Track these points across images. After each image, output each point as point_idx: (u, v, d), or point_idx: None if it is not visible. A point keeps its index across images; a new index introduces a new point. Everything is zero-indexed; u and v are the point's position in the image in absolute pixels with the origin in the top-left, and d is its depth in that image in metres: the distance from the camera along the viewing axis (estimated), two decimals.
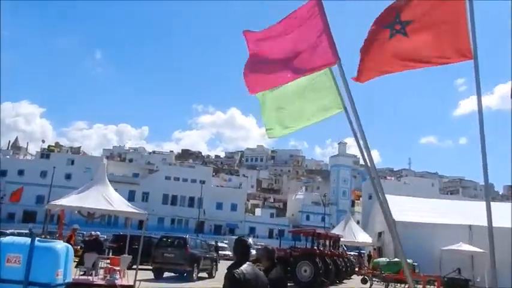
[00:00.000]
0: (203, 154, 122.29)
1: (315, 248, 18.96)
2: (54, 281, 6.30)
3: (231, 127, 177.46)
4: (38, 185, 57.16)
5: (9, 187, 55.19)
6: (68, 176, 59.99)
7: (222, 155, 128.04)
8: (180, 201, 63.73)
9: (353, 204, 76.37)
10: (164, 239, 18.77)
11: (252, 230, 64.45)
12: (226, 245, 39.47)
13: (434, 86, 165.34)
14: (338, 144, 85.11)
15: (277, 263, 4.27)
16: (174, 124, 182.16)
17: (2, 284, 6.19)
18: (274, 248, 4.48)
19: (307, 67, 5.01)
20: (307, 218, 69.71)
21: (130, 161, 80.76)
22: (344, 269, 20.12)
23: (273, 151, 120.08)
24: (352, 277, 22.48)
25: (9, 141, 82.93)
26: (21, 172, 60.31)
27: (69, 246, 6.83)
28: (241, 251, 3.76)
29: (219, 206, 65.21)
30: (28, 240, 6.49)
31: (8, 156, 66.63)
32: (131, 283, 13.71)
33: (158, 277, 17.41)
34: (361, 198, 74.90)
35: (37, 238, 6.53)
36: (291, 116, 5.54)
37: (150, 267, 17.72)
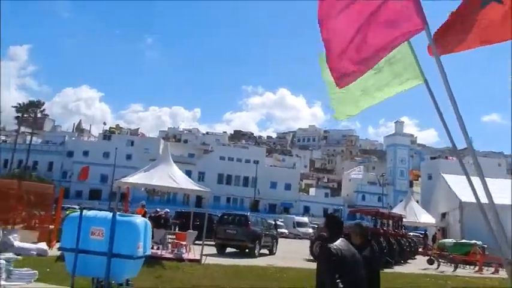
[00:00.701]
0: (255, 135, 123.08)
1: (378, 227, 18.54)
2: (135, 253, 6.50)
3: (281, 107, 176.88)
4: (102, 165, 60.30)
5: (75, 167, 58.76)
6: (129, 157, 62.72)
7: (274, 135, 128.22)
8: (234, 180, 64.80)
9: (411, 184, 73.89)
10: (226, 216, 19.13)
11: (306, 209, 64.40)
12: (282, 224, 39.71)
13: (496, 61, 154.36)
14: (394, 123, 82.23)
15: (371, 240, 4.07)
16: (225, 106, 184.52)
17: (87, 255, 6.48)
18: (367, 225, 4.27)
19: (392, 36, 4.60)
20: (363, 198, 68.50)
21: (185, 142, 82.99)
22: (408, 249, 19.56)
23: (325, 131, 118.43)
24: (416, 257, 21.84)
25: (74, 124, 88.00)
26: (86, 153, 63.84)
27: (147, 220, 7.01)
28: (334, 227, 3.60)
29: (273, 185, 65.61)
30: (109, 214, 6.73)
31: (73, 138, 70.76)
32: (197, 257, 14.17)
33: (221, 252, 17.86)
34: (419, 178, 72.26)
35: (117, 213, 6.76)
36: (364, 92, 5.17)
37: (212, 243, 18.21)
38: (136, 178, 13.99)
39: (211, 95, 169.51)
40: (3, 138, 68.50)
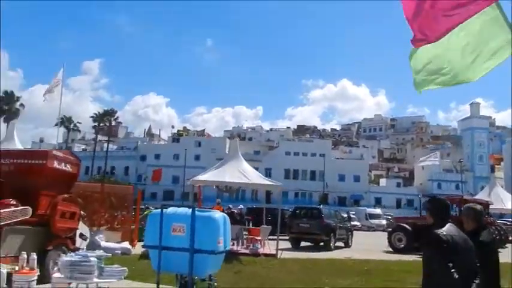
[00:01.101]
0: (318, 128, 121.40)
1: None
2: (216, 248, 6.46)
3: (343, 99, 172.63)
4: (173, 167, 62.72)
5: (149, 170, 61.66)
6: (197, 157, 64.62)
7: (338, 127, 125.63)
8: (301, 175, 64.37)
9: (492, 169, 68.65)
10: (298, 210, 18.95)
11: (377, 201, 62.38)
12: (354, 216, 38.73)
13: None
14: (469, 105, 77.00)
15: (486, 225, 3.61)
16: (286, 101, 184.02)
17: (170, 251, 6.54)
18: (482, 208, 3.81)
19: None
20: (439, 186, 64.82)
21: (250, 139, 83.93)
22: (498, 238, 18.05)
23: (392, 119, 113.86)
24: (506, 246, 20.13)
25: (145, 130, 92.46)
26: (157, 156, 66.80)
27: (225, 215, 6.96)
28: (439, 211, 3.22)
29: (342, 177, 64.29)
30: (188, 210, 6.76)
31: (145, 143, 74.39)
32: (272, 252, 14.11)
33: (295, 246, 17.70)
34: (502, 163, 66.98)
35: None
36: (450, 66, 4.60)
37: (286, 238, 18.11)
38: (209, 176, 14.20)
39: (272, 92, 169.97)
40: (83, 147, 73.75)
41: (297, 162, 64.24)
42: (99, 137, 69.10)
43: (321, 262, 13.35)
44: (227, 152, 62.88)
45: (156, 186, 60.25)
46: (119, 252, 13.43)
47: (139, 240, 16.07)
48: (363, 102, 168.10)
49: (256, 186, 14.66)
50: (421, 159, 70.06)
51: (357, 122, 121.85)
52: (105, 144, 67.05)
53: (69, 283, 5.62)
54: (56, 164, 8.48)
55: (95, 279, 4.11)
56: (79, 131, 71.09)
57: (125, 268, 4.37)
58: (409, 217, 22.95)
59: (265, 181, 14.46)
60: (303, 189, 63.41)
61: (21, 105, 62.56)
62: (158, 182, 52.44)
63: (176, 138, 73.04)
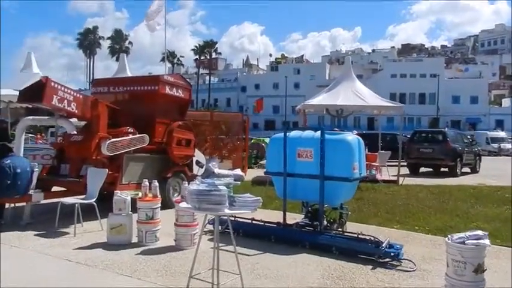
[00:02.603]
0: (426, 46, 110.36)
1: None
2: (351, 174, 5.57)
3: (453, 11, 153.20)
4: (272, 96, 62.49)
5: (249, 100, 62.33)
6: (296, 85, 63.36)
7: (448, 44, 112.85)
8: (409, 98, 59.67)
9: None
10: (418, 134, 17.20)
11: (498, 123, 55.86)
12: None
13: None
14: None
15: None
16: (386, 19, 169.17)
17: (297, 178, 5.81)
18: None
19: None
20: None
21: (351, 63, 79.08)
22: None
23: None
24: None
25: (243, 60, 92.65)
26: (257, 86, 66.96)
27: (360, 138, 5.94)
28: None
29: (456, 99, 58.41)
30: (315, 133, 5.87)
31: (244, 74, 74.76)
32: (391, 178, 13.00)
33: (414, 172, 16.32)
34: None
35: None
36: None
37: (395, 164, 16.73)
38: (320, 99, 13.09)
39: (370, 10, 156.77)
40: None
41: (404, 84, 59.40)
42: (201, 71, 71.02)
43: (448, 189, 11.91)
44: (327, 78, 60.68)
45: (257, 116, 60.88)
46: (232, 179, 13.38)
47: (249, 167, 16.07)
48: (478, 12, 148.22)
49: (375, 109, 13.20)
50: None
51: (472, 36, 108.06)
52: (207, 77, 68.88)
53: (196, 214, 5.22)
54: (167, 90, 8.10)
55: (226, 210, 3.46)
56: (182, 65, 73.68)
57: (259, 198, 3.65)
58: None
59: (386, 103, 12.97)
60: (411, 114, 59.05)
61: (130, 43, 65.97)
62: (259, 112, 52.76)
63: (275, 66, 71.95)
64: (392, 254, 4.87)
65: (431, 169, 16.67)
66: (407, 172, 16.01)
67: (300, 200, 6.42)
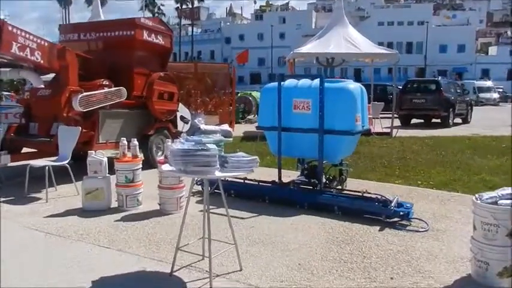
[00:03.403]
0: None
1: None
2: (354, 127, 5.01)
3: None
4: (258, 48, 60.62)
5: (234, 53, 60.42)
6: (282, 35, 61.47)
7: None
8: (396, 47, 58.58)
9: None
10: (410, 84, 16.62)
11: (484, 72, 55.60)
12: None
13: None
14: None
15: None
16: None
17: (291, 133, 5.24)
18: None
19: None
20: None
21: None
22: None
23: None
24: None
25: (226, 9, 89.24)
26: (241, 37, 64.77)
27: (362, 86, 5.33)
28: None
29: (443, 48, 57.59)
30: (313, 82, 5.23)
31: (228, 23, 72.07)
32: (383, 130, 12.56)
33: (405, 123, 15.94)
34: None
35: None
36: None
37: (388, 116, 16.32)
38: (310, 47, 12.30)
39: None
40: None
41: (391, 33, 57.97)
42: (183, 21, 68.14)
43: (443, 140, 11.58)
44: (313, 27, 58.78)
45: (242, 69, 59.27)
46: (219, 135, 12.80)
47: (236, 123, 15.42)
48: None
49: (369, 57, 12.48)
50: None
51: None
52: (189, 28, 66.28)
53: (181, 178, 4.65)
54: (146, 35, 7.24)
55: (217, 173, 2.87)
56: (164, 14, 70.39)
57: (255, 157, 3.07)
58: None
59: (381, 50, 12.27)
60: (398, 63, 58.30)
61: None
62: (244, 64, 51.28)
63: (259, 15, 69.33)
64: (401, 213, 4.42)
65: (422, 120, 16.29)
66: (399, 124, 15.63)
67: (296, 157, 5.89)
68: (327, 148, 5.05)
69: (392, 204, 4.41)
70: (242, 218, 4.59)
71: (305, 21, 62.00)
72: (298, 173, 5.94)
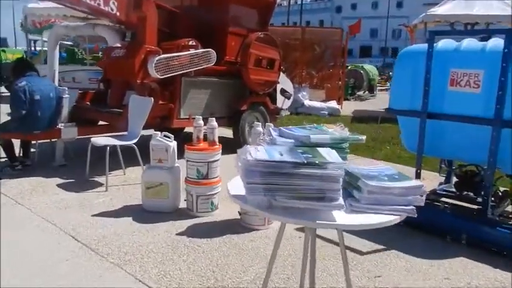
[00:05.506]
0: None
1: None
2: None
3: None
4: (371, 17, 56.18)
5: (344, 23, 56.77)
6: (399, 4, 56.19)
7: None
8: None
9: None
10: None
11: None
12: None
13: None
14: None
15: None
16: None
17: (443, 121, 3.39)
18: None
19: None
20: None
21: None
22: None
23: None
24: None
25: None
26: (353, 6, 60.73)
27: None
28: None
29: None
30: (487, 43, 3.27)
31: None
32: None
33: None
34: None
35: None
36: None
37: None
38: (450, 8, 9.80)
39: None
40: (278, 1, 72.13)
41: None
42: None
43: None
44: None
45: (351, 41, 55.48)
46: (326, 112, 11.14)
47: (345, 99, 13.47)
48: None
49: None
50: None
51: None
52: None
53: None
54: None
55: (339, 218, 1.21)
56: None
57: (420, 183, 1.33)
58: None
59: None
60: None
61: None
62: (355, 35, 47.84)
63: None
64: None
65: None
66: None
67: (446, 158, 4.02)
68: (504, 149, 3.13)
69: None
70: (361, 253, 2.97)
71: None
72: (440, 178, 4.13)
